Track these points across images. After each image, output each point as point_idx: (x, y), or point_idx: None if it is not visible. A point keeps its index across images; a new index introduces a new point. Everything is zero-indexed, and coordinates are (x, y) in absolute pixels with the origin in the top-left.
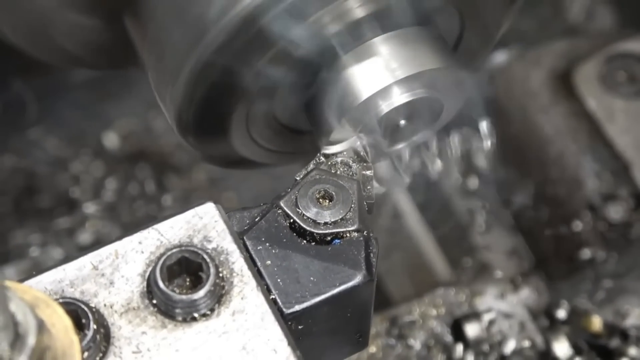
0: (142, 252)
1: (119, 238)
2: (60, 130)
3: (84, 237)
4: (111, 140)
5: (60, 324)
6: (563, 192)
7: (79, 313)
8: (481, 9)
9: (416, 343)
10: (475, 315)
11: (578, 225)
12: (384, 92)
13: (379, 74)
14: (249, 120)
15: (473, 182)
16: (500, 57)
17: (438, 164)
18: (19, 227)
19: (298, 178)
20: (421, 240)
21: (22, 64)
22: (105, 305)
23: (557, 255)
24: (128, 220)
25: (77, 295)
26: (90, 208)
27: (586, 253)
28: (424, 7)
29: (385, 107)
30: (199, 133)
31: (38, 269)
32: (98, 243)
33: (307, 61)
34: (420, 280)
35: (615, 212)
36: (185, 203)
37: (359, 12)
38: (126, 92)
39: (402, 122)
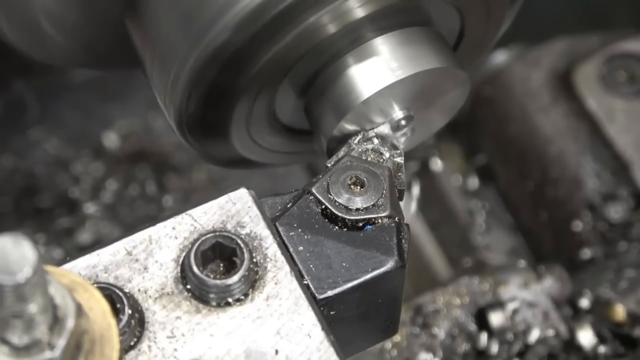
0: (176, 237)
1: (153, 224)
2: (60, 131)
3: (84, 237)
4: (111, 140)
5: (98, 307)
6: (563, 192)
7: (113, 298)
8: (481, 9)
9: (440, 332)
10: (499, 304)
11: (578, 225)
12: (384, 92)
13: (380, 74)
14: (249, 120)
15: (473, 182)
16: (500, 57)
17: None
18: (19, 227)
19: (329, 165)
20: (421, 240)
21: (22, 65)
22: (139, 290)
23: (557, 255)
24: (128, 220)
25: (111, 280)
26: (90, 208)
27: (586, 253)
28: (424, 7)
29: (387, 112)
30: (199, 133)
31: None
32: (98, 243)
33: (307, 61)
34: (420, 281)
35: (615, 212)
36: (186, 203)
37: (359, 12)
38: (126, 92)
39: (402, 122)
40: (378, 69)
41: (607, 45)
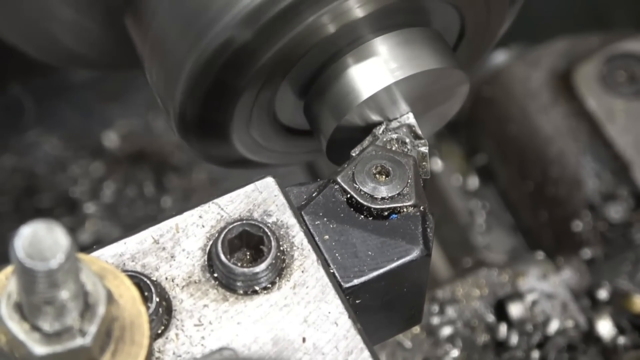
0: (203, 226)
1: (179, 212)
2: (60, 131)
3: (84, 237)
4: (111, 140)
5: (128, 294)
6: (563, 192)
7: (141, 286)
8: (481, 9)
9: (460, 323)
10: (518, 296)
11: (578, 225)
12: (383, 92)
13: (379, 74)
14: (249, 120)
15: (473, 182)
16: (500, 57)
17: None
18: (19, 227)
19: (354, 154)
20: None
21: (20, 66)
22: (166, 278)
23: (557, 255)
24: (128, 220)
25: (139, 268)
26: (90, 208)
27: (586, 253)
28: (423, 7)
29: (387, 112)
30: (199, 133)
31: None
32: (98, 243)
33: (307, 61)
34: None
35: (615, 212)
36: (185, 203)
37: (358, 12)
38: (126, 92)
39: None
40: (377, 70)
41: (607, 45)
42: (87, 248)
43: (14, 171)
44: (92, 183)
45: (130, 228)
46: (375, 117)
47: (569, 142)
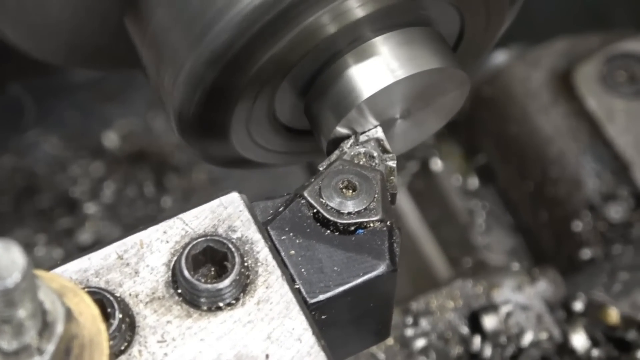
0: (167, 241)
1: (144, 227)
2: (60, 131)
3: (84, 237)
4: (111, 140)
5: (88, 312)
6: (563, 192)
7: (104, 302)
8: (481, 9)
9: (433, 335)
10: (492, 308)
11: (578, 225)
12: (384, 92)
13: (379, 74)
14: (249, 121)
15: (473, 182)
16: (500, 57)
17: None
18: (19, 227)
19: (321, 168)
20: (421, 240)
21: (20, 66)
22: (130, 294)
23: (557, 255)
24: (128, 220)
25: (102, 284)
26: (90, 208)
27: (586, 253)
28: (423, 7)
29: (387, 112)
30: (199, 133)
31: (39, 268)
32: (98, 243)
33: (307, 61)
34: (420, 281)
35: (615, 212)
36: (185, 203)
37: (359, 12)
38: (126, 92)
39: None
40: (378, 69)
41: (607, 45)
42: (87, 248)
43: (14, 171)
44: (92, 183)
45: (130, 228)
46: (375, 117)
47: (569, 142)
